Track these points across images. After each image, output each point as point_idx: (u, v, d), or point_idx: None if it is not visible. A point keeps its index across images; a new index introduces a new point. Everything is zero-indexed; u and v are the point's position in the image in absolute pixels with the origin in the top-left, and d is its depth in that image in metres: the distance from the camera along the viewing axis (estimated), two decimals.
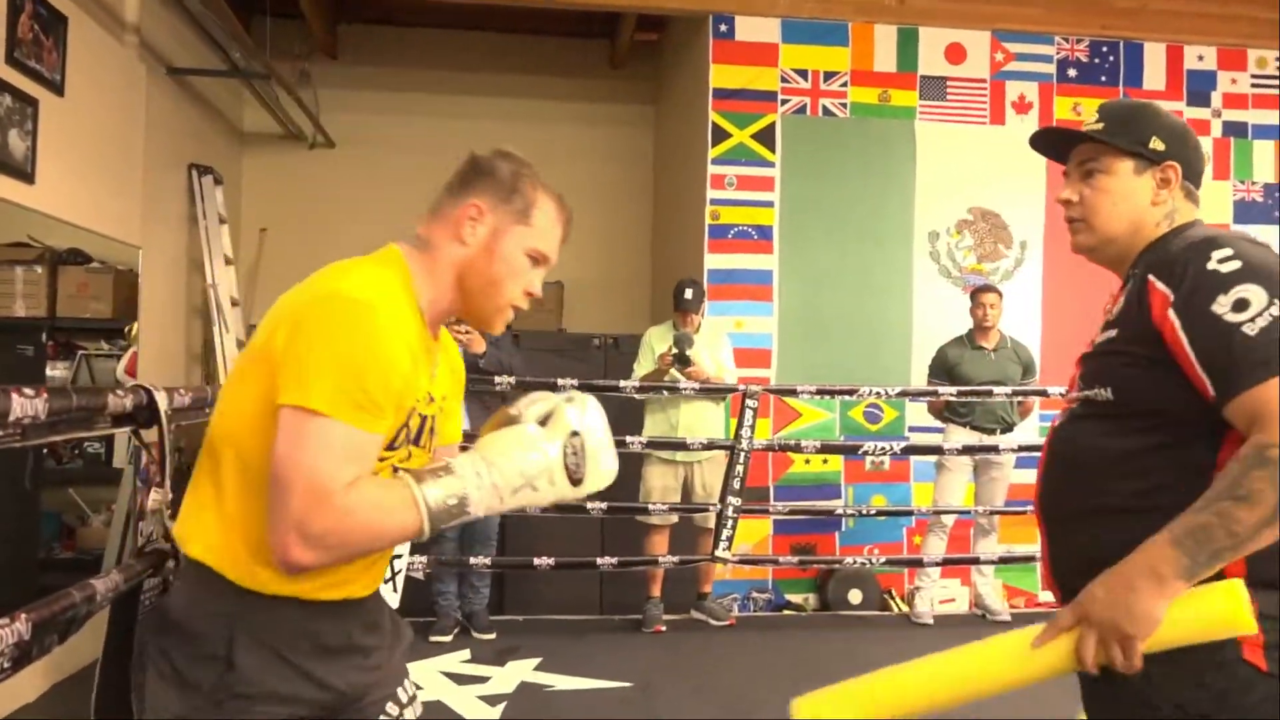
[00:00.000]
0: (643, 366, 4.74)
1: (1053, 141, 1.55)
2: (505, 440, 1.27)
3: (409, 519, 1.21)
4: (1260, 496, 1.13)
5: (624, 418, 4.79)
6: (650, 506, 4.55)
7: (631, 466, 4.68)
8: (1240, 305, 1.20)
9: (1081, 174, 1.48)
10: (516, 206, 1.36)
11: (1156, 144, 1.43)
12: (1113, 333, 1.37)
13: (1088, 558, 1.29)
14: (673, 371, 4.55)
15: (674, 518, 4.67)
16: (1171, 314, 1.26)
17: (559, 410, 1.31)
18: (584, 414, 1.31)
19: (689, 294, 4.66)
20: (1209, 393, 1.22)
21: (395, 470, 1.32)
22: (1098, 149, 1.46)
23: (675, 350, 4.51)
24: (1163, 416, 1.29)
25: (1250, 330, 1.19)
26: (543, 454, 1.27)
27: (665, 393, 4.57)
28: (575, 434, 1.29)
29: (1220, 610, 1.17)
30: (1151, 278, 1.31)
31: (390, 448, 1.30)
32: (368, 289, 1.25)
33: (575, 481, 1.30)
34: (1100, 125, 1.47)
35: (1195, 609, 1.18)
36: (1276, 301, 1.19)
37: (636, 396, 4.60)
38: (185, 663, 1.27)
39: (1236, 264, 1.24)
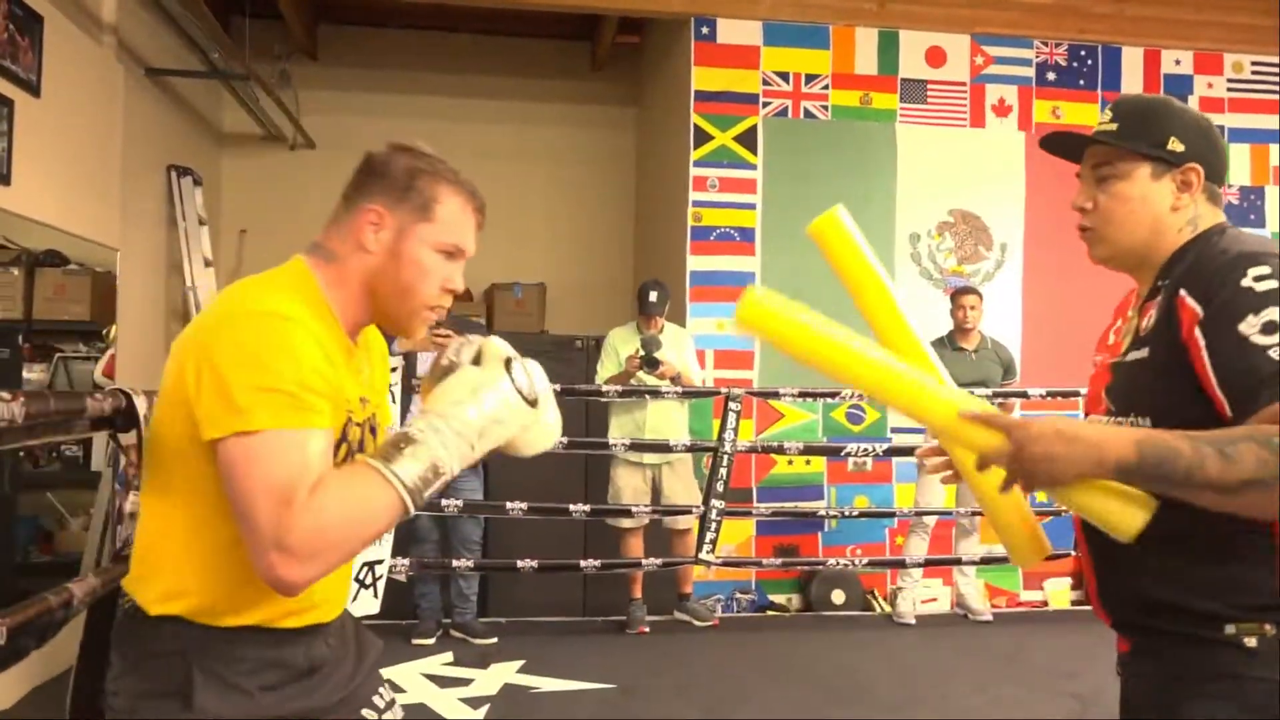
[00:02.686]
0: (606, 369, 4.71)
1: (1064, 141, 1.45)
2: (450, 388, 1.24)
3: (388, 500, 1.15)
4: (1239, 462, 1.11)
5: (591, 420, 4.77)
6: (633, 509, 4.54)
7: (601, 469, 4.70)
8: (1270, 328, 1.17)
9: (1095, 178, 1.38)
10: (415, 204, 1.29)
11: (1175, 144, 1.33)
12: (1143, 352, 1.31)
13: (1138, 588, 1.30)
14: (639, 374, 4.52)
15: (645, 520, 4.65)
16: (1198, 332, 1.22)
17: (486, 345, 1.30)
18: (506, 345, 1.32)
19: (654, 296, 4.63)
20: (1226, 411, 1.19)
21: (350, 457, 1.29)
22: (1111, 152, 1.36)
23: (643, 353, 4.49)
24: None
25: (1276, 355, 1.16)
26: (492, 385, 1.24)
27: (647, 396, 4.56)
28: (510, 360, 1.28)
29: (1135, 507, 1.19)
30: (1183, 293, 1.26)
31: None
32: (268, 301, 1.21)
33: (530, 401, 1.27)
34: (1114, 126, 1.37)
35: (1118, 494, 1.20)
36: None
37: (619, 400, 4.58)
38: (135, 701, 1.23)
39: (1273, 284, 1.19)
